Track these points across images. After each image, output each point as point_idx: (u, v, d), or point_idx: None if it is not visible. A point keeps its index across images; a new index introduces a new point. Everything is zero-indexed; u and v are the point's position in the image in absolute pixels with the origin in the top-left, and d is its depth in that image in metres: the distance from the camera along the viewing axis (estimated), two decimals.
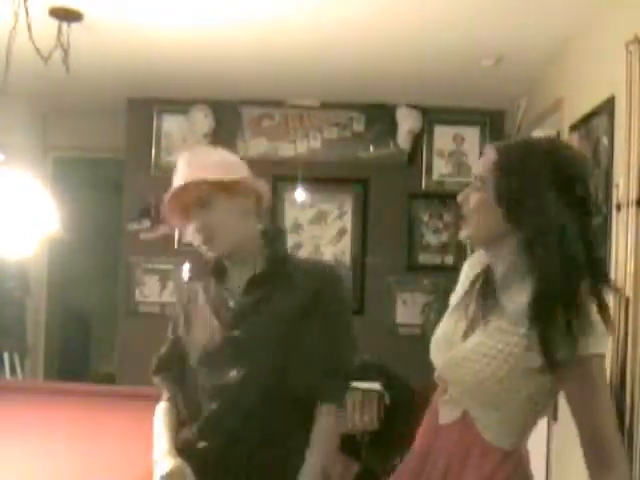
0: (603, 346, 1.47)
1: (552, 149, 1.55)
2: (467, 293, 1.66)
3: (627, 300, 2.52)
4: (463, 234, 1.62)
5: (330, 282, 1.93)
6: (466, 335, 1.58)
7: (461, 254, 4.66)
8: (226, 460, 1.85)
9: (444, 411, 1.61)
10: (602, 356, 1.48)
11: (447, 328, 1.65)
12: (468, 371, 1.53)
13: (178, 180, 1.88)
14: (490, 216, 1.54)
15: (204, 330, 1.93)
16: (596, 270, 1.49)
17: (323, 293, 1.89)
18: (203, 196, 1.85)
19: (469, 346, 1.55)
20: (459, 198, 1.61)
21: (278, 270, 1.92)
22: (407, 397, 4.53)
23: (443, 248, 5.02)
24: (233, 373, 1.86)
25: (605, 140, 2.95)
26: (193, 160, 1.89)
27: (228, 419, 1.87)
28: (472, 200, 1.57)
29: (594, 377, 1.46)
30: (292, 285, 1.90)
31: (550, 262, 1.45)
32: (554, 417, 3.50)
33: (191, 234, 1.89)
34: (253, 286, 1.91)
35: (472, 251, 1.74)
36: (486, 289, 1.61)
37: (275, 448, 1.86)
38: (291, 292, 1.89)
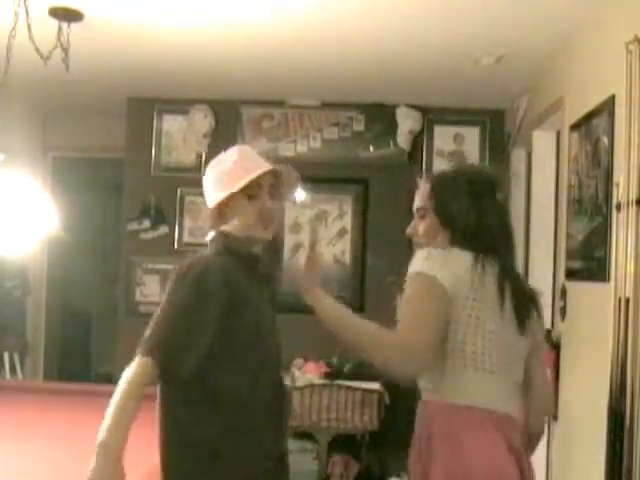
0: (417, 266, 1.81)
1: (469, 173, 1.99)
2: None
3: (627, 300, 2.52)
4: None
5: None
6: None
7: None
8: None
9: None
10: (417, 273, 1.81)
11: None
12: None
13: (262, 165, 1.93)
14: (438, 238, 1.89)
15: None
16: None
17: None
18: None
19: None
20: (408, 231, 1.99)
21: None
22: (407, 397, 4.53)
23: None
24: None
25: (605, 139, 2.95)
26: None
27: None
28: (420, 229, 1.95)
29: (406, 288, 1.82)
30: None
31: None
32: (554, 417, 3.50)
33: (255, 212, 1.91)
34: None
35: None
36: None
37: None
38: None
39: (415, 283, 1.80)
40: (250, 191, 1.88)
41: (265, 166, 1.91)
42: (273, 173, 1.93)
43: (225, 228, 1.94)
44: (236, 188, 1.87)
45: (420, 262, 1.81)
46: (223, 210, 1.92)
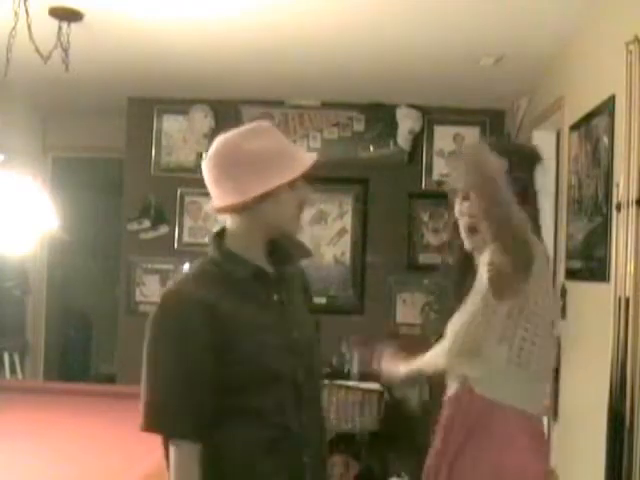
0: None
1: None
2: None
3: (627, 300, 2.52)
4: (475, 243, 1.91)
5: None
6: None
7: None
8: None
9: (449, 387, 1.89)
10: None
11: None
12: (450, 335, 1.87)
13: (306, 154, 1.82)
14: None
15: None
16: None
17: None
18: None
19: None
20: (466, 212, 1.90)
21: None
22: (407, 397, 4.53)
23: (443, 248, 5.02)
24: None
25: (605, 140, 2.95)
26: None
27: None
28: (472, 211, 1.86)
29: None
30: None
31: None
32: (554, 417, 3.50)
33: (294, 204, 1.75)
34: None
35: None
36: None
37: None
38: None
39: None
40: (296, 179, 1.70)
41: (309, 154, 1.78)
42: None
43: (230, 227, 1.71)
44: (298, 172, 1.70)
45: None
46: (252, 202, 1.65)
